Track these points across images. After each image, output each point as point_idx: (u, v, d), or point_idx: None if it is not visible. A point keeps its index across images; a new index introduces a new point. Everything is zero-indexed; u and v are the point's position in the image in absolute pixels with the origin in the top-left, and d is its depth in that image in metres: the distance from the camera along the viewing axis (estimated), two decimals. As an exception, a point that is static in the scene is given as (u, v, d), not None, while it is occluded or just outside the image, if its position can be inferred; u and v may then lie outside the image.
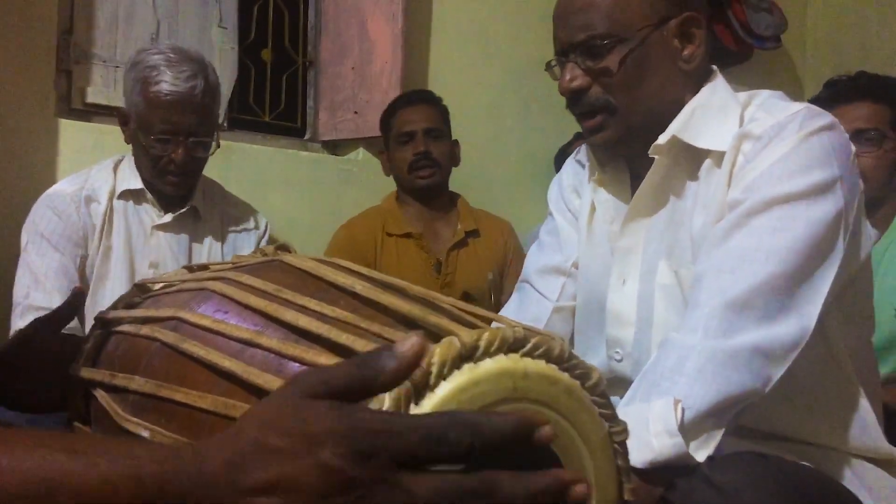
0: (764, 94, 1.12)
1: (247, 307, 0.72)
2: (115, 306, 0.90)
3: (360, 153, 2.75)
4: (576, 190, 1.29)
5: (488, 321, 0.69)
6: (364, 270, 0.76)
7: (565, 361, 0.60)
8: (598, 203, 1.23)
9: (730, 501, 0.84)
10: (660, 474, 0.89)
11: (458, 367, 0.56)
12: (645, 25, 1.08)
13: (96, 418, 0.84)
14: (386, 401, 0.53)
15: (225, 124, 2.57)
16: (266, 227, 2.02)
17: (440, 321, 0.63)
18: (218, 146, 1.82)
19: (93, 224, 1.78)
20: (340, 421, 0.47)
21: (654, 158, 1.11)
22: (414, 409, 0.54)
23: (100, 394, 0.81)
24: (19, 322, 1.68)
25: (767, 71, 3.41)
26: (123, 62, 2.02)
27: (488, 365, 0.57)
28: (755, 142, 1.04)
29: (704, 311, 0.97)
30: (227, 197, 2.02)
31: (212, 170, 1.94)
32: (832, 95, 1.92)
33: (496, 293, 2.30)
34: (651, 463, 0.88)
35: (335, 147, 2.80)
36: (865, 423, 1.09)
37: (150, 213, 1.85)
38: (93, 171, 1.85)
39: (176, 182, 1.79)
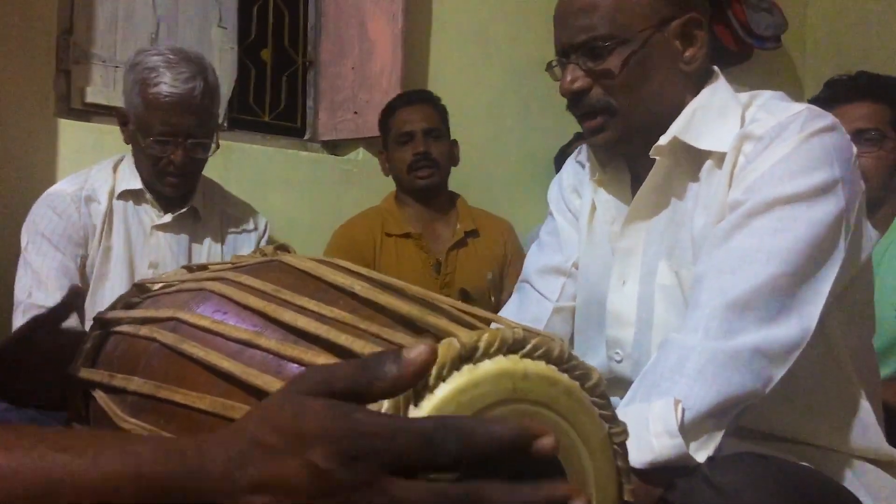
0: (765, 95, 1.12)
1: (246, 308, 0.72)
2: (114, 306, 0.90)
3: (360, 153, 2.75)
4: (576, 190, 1.29)
5: (487, 322, 0.69)
6: (363, 271, 0.76)
7: (565, 362, 0.60)
8: (598, 203, 1.23)
9: (730, 502, 0.84)
10: (660, 475, 0.88)
11: (458, 369, 0.55)
12: (646, 27, 1.08)
13: (95, 419, 0.84)
14: (385, 402, 0.53)
15: (225, 124, 2.57)
16: (266, 227, 2.02)
17: (439, 322, 0.63)
18: (217, 147, 1.82)
19: (93, 224, 1.79)
20: (334, 421, 0.47)
21: (654, 159, 1.11)
22: (413, 411, 0.54)
23: (98, 394, 0.80)
24: (21, 321, 1.68)
25: (767, 71, 3.41)
26: (123, 62, 2.02)
27: (488, 366, 0.56)
28: (756, 142, 1.04)
29: (705, 312, 0.97)
30: (227, 197, 2.02)
31: (212, 170, 1.94)
32: (832, 95, 1.92)
33: (496, 293, 2.29)
34: (651, 463, 0.88)
35: (335, 147, 2.80)
36: (866, 425, 1.09)
37: (150, 214, 1.85)
38: (92, 171, 1.85)
39: (175, 183, 1.79)
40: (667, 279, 1.11)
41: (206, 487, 0.48)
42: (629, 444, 0.66)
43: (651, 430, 0.89)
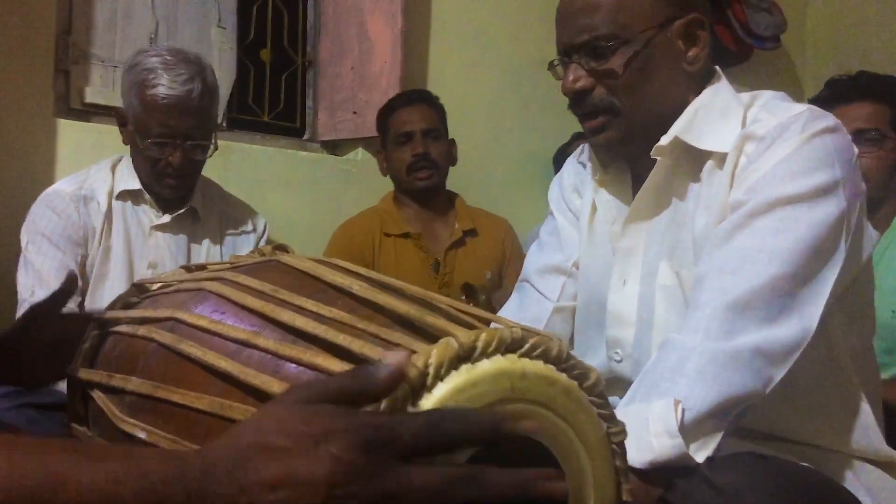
0: (766, 95, 1.12)
1: (244, 308, 0.72)
2: (112, 306, 0.90)
3: (360, 153, 2.75)
4: (577, 190, 1.29)
5: (486, 321, 0.69)
6: (362, 270, 0.76)
7: (563, 362, 0.60)
8: (599, 203, 1.22)
9: (730, 502, 0.84)
10: (659, 475, 0.88)
11: (456, 368, 0.56)
12: (649, 27, 1.08)
13: (94, 419, 0.83)
14: (384, 402, 0.53)
15: (224, 124, 2.56)
16: (264, 228, 2.02)
17: (437, 321, 0.63)
18: (216, 148, 1.81)
19: (92, 224, 1.79)
20: (343, 420, 0.50)
21: (656, 160, 1.11)
22: (411, 410, 0.54)
23: (97, 394, 0.80)
24: None
25: (767, 71, 3.41)
26: (122, 62, 2.02)
27: (486, 366, 0.56)
28: (758, 143, 1.04)
29: (706, 312, 0.97)
30: (227, 197, 2.02)
31: (211, 170, 1.94)
32: (833, 95, 1.92)
33: (495, 292, 2.29)
34: (651, 463, 0.88)
35: (334, 147, 2.80)
36: (866, 425, 1.09)
37: (149, 214, 1.85)
38: (91, 171, 1.85)
39: (174, 185, 1.79)
40: (668, 279, 1.11)
41: (209, 489, 0.48)
42: (629, 443, 0.66)
43: (651, 430, 0.89)
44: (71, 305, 1.66)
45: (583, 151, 1.30)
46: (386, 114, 2.36)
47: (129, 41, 2.39)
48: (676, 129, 1.09)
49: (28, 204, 1.82)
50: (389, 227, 2.30)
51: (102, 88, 2.33)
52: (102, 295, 1.75)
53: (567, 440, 0.60)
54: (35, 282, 1.72)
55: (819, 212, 0.99)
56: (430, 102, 2.36)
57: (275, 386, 0.61)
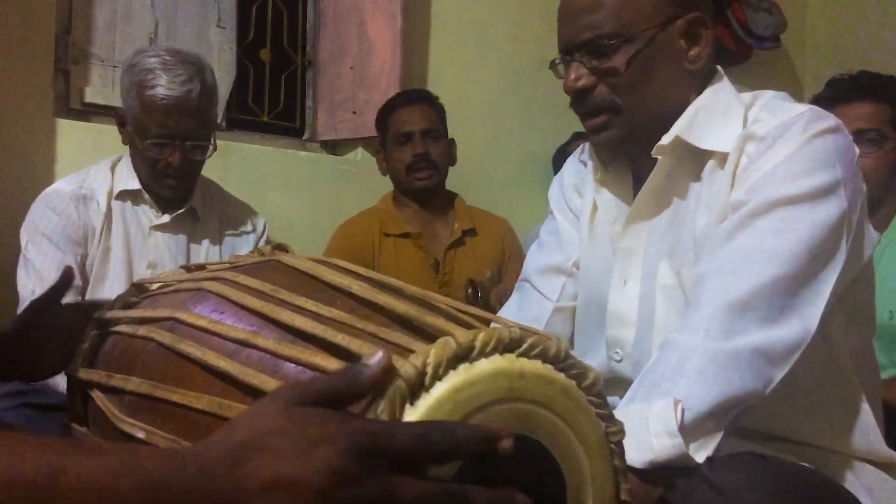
0: (768, 95, 1.12)
1: (243, 307, 0.72)
2: (112, 306, 0.90)
3: (359, 153, 2.75)
4: (577, 189, 1.29)
5: (485, 321, 0.69)
6: (361, 270, 0.76)
7: (561, 361, 0.60)
8: (600, 203, 1.22)
9: (730, 502, 0.84)
10: (659, 475, 0.88)
11: (454, 368, 0.56)
12: (651, 25, 1.08)
13: (93, 419, 0.84)
14: (382, 402, 0.53)
15: (223, 124, 2.56)
16: (264, 228, 2.02)
17: (436, 321, 0.63)
18: (215, 149, 1.81)
19: (92, 224, 1.79)
20: (337, 425, 0.50)
21: (656, 159, 1.11)
22: (409, 410, 0.54)
23: (97, 394, 0.81)
24: None
25: (767, 71, 3.41)
26: (122, 62, 2.02)
27: (484, 365, 0.56)
28: (759, 143, 1.04)
29: (706, 312, 0.97)
30: (226, 197, 2.02)
31: (210, 170, 1.94)
32: (834, 95, 1.92)
33: (494, 287, 2.29)
34: (650, 463, 0.88)
35: (334, 147, 2.80)
36: (866, 426, 1.09)
37: (148, 214, 1.85)
38: (91, 171, 1.85)
39: (173, 185, 1.79)
40: (668, 279, 1.11)
41: (207, 485, 0.49)
42: (629, 443, 0.66)
43: (651, 430, 0.89)
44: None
45: (583, 150, 1.30)
46: (385, 114, 2.35)
47: (129, 41, 2.39)
48: (677, 129, 1.09)
49: (28, 204, 1.82)
50: (389, 227, 2.30)
51: (102, 88, 2.33)
52: (102, 295, 1.75)
53: (566, 440, 0.60)
54: (35, 281, 1.72)
55: (820, 212, 0.99)
56: (430, 102, 2.36)
57: (273, 386, 0.61)
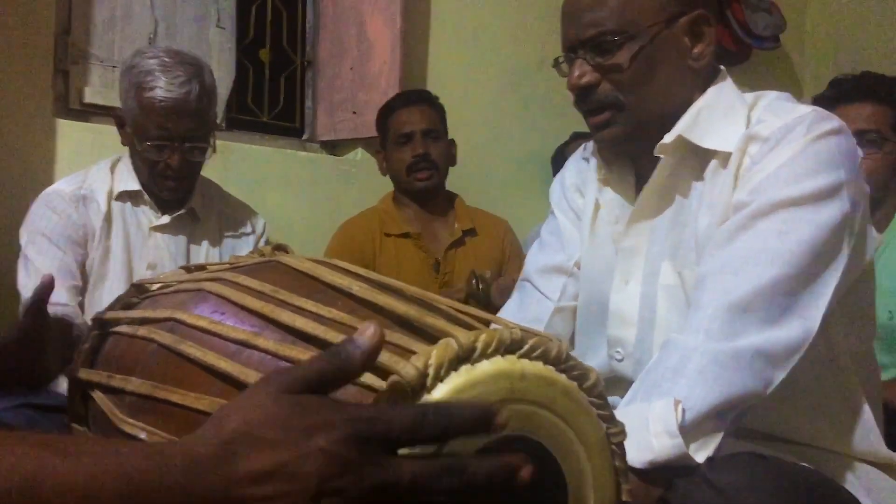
0: (771, 96, 1.12)
1: (244, 308, 0.72)
2: (112, 307, 0.90)
3: (359, 153, 2.75)
4: (579, 189, 1.28)
5: (486, 322, 0.69)
6: (361, 271, 0.76)
7: (563, 362, 0.60)
8: (603, 202, 1.22)
9: (730, 502, 0.84)
10: (659, 475, 0.88)
11: (455, 369, 0.56)
12: (655, 22, 1.08)
13: (94, 420, 0.84)
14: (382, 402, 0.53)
15: (223, 124, 2.56)
16: (264, 228, 2.02)
17: (437, 322, 0.63)
18: (214, 150, 1.81)
19: (92, 224, 1.78)
20: (330, 412, 0.50)
21: (658, 159, 1.11)
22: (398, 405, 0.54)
23: (97, 395, 0.80)
24: None
25: (766, 71, 3.41)
26: (121, 62, 2.02)
27: (485, 366, 0.56)
28: (762, 144, 1.04)
29: (707, 313, 0.97)
30: (226, 198, 2.01)
31: (210, 170, 1.94)
32: (836, 94, 1.91)
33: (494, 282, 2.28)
34: (651, 463, 0.88)
35: (333, 147, 2.80)
36: (866, 427, 1.09)
37: (148, 215, 1.85)
38: (90, 172, 1.85)
39: (173, 187, 1.79)
40: (670, 279, 1.11)
41: (195, 481, 0.48)
42: (629, 443, 0.66)
43: (651, 430, 0.89)
44: (69, 306, 1.66)
45: (585, 149, 1.30)
46: (386, 114, 2.35)
47: (129, 41, 2.39)
48: (680, 128, 1.09)
49: (28, 204, 1.81)
50: (389, 227, 2.30)
51: (101, 88, 2.33)
52: (101, 295, 1.75)
53: (567, 441, 0.60)
54: (36, 281, 1.71)
55: (822, 214, 0.99)
56: (430, 102, 2.35)
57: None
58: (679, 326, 1.03)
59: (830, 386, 1.09)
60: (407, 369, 0.55)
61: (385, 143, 2.35)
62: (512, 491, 0.52)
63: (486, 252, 2.34)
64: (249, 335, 0.68)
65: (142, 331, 0.79)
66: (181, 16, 2.52)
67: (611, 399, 0.69)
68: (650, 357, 1.07)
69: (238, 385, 0.65)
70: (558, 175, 1.35)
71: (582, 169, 1.29)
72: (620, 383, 1.12)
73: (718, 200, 1.06)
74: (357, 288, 0.70)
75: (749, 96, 1.12)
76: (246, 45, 2.69)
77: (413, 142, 2.27)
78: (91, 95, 2.31)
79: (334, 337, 0.63)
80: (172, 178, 1.77)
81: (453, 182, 2.42)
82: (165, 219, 1.85)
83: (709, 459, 0.89)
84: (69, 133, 2.20)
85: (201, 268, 0.94)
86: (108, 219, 1.80)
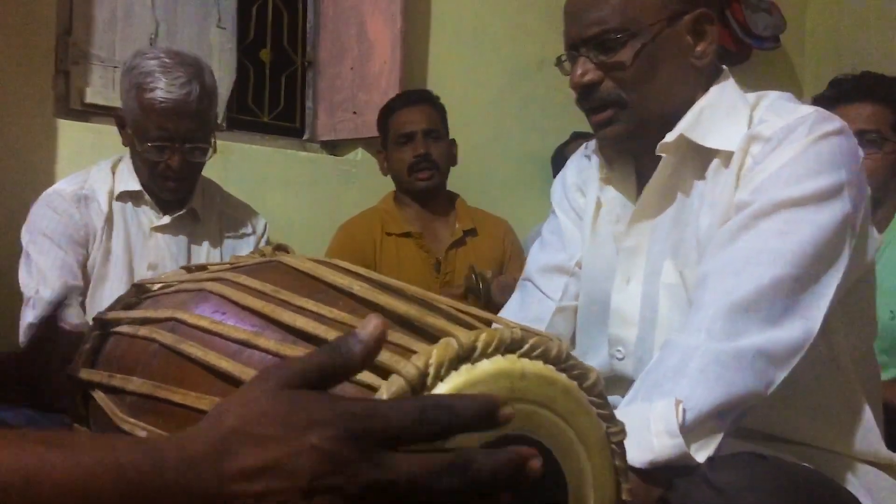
0: (773, 96, 1.12)
1: (245, 308, 0.72)
2: (113, 307, 0.90)
3: (359, 153, 2.75)
4: (580, 188, 1.29)
5: (486, 322, 0.69)
6: (362, 271, 0.76)
7: (563, 362, 0.60)
8: (604, 201, 1.22)
9: (730, 502, 0.84)
10: (660, 474, 0.88)
11: (456, 369, 0.56)
12: (658, 20, 1.08)
13: (95, 419, 0.84)
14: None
15: (224, 124, 2.57)
16: (265, 228, 2.01)
17: (437, 322, 0.63)
18: (214, 151, 1.81)
19: (93, 224, 1.79)
20: (326, 408, 0.49)
21: (660, 158, 1.11)
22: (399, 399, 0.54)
23: (98, 395, 0.80)
24: (28, 315, 1.69)
25: (766, 71, 3.41)
26: (122, 62, 2.01)
27: (485, 366, 0.56)
28: (764, 144, 1.04)
29: (708, 313, 0.97)
30: (227, 198, 2.01)
31: (211, 170, 1.94)
32: (836, 94, 1.91)
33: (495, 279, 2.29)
34: (651, 463, 0.88)
35: (334, 147, 2.80)
36: (866, 428, 1.09)
37: (149, 215, 1.85)
38: (91, 172, 1.85)
39: (174, 188, 1.79)
40: (671, 278, 1.11)
41: (189, 477, 0.48)
42: (630, 443, 0.66)
43: (652, 430, 0.89)
44: (73, 314, 1.67)
45: (587, 148, 1.30)
46: (387, 114, 2.35)
47: (129, 42, 2.39)
48: (682, 127, 1.09)
49: (28, 204, 1.81)
50: (390, 227, 2.30)
51: (102, 89, 2.33)
52: (102, 296, 1.75)
53: (567, 440, 0.60)
54: (40, 280, 1.72)
55: (824, 214, 0.99)
56: (432, 102, 2.36)
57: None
58: (680, 326, 1.03)
59: (831, 386, 1.09)
60: (407, 369, 0.55)
61: (386, 142, 2.36)
62: (514, 490, 0.51)
63: (486, 252, 2.35)
64: (250, 335, 0.68)
65: (143, 331, 0.79)
66: (182, 16, 2.52)
67: (612, 398, 0.70)
68: (651, 356, 1.07)
69: (239, 385, 0.64)
70: (559, 174, 1.35)
71: (583, 168, 1.29)
72: (621, 382, 1.12)
73: (720, 200, 1.06)
74: (358, 288, 0.70)
75: (751, 96, 1.13)
76: (246, 46, 2.69)
77: (414, 142, 2.27)
78: (92, 96, 2.31)
79: (335, 337, 0.63)
80: (173, 179, 1.77)
81: (453, 182, 2.42)
82: (166, 219, 1.85)
83: (709, 459, 0.90)
84: (70, 133, 2.20)
85: (202, 268, 0.94)
86: (109, 219, 1.80)
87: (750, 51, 3.35)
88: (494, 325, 0.63)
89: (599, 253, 1.22)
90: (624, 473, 0.64)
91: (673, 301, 1.10)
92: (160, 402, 0.71)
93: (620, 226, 1.19)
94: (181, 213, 1.85)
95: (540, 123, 2.95)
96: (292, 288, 0.72)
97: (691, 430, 0.89)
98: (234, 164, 2.42)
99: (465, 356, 0.56)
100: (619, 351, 1.16)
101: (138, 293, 0.91)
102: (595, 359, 1.19)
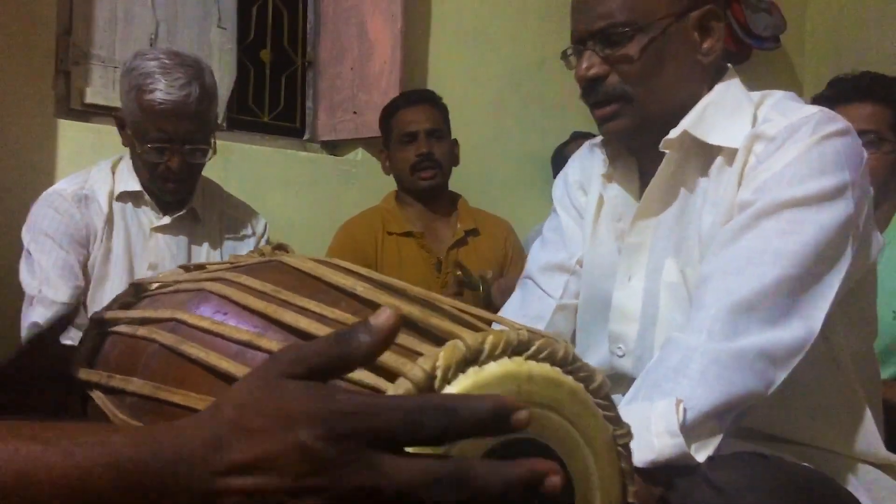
0: (777, 95, 1.12)
1: (246, 308, 0.71)
2: (110, 306, 0.90)
3: (359, 153, 2.75)
4: (582, 187, 1.28)
5: (489, 322, 0.69)
6: (364, 271, 0.75)
7: (569, 364, 0.60)
8: (607, 198, 1.22)
9: (730, 502, 0.84)
10: (660, 474, 0.88)
11: (463, 371, 0.55)
12: (666, 15, 1.08)
13: (93, 420, 0.83)
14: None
15: (224, 125, 2.57)
16: (265, 229, 2.01)
17: (442, 323, 0.63)
18: (215, 152, 1.81)
19: (94, 225, 1.78)
20: (317, 402, 0.47)
21: (663, 155, 1.11)
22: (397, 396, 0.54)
23: (97, 395, 0.80)
24: (32, 314, 1.69)
25: (766, 71, 3.41)
26: (122, 63, 2.01)
27: (493, 368, 0.56)
28: (768, 143, 1.04)
29: (710, 313, 0.97)
30: (227, 198, 2.01)
31: (211, 170, 1.93)
32: (835, 94, 1.91)
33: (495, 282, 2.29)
34: (651, 462, 0.88)
35: (334, 147, 2.80)
36: (866, 428, 1.09)
37: (149, 215, 1.85)
38: (92, 172, 1.85)
39: (173, 189, 1.79)
40: (673, 276, 1.11)
41: (182, 472, 0.47)
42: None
43: (652, 430, 0.89)
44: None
45: (590, 144, 1.30)
46: (389, 113, 2.35)
47: (130, 42, 2.39)
48: (686, 123, 1.09)
49: (28, 204, 1.81)
50: (392, 226, 2.30)
51: (102, 89, 2.33)
52: (103, 296, 1.75)
53: (573, 443, 0.60)
54: (42, 279, 1.72)
55: (827, 215, 0.99)
56: (434, 102, 2.35)
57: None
58: (681, 324, 1.03)
59: (831, 386, 1.09)
60: (414, 371, 0.54)
61: (388, 142, 2.35)
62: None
63: (488, 252, 2.35)
64: (252, 336, 0.67)
65: (142, 331, 0.78)
66: (182, 16, 2.52)
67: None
68: (651, 354, 1.07)
69: (241, 386, 0.64)
70: (561, 172, 1.35)
71: (585, 166, 1.29)
72: (621, 380, 1.12)
73: (723, 198, 1.06)
74: (361, 288, 0.69)
75: (756, 95, 1.13)
76: (247, 46, 2.69)
77: (417, 141, 2.27)
78: (92, 96, 2.31)
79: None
80: (173, 181, 1.77)
81: (453, 182, 2.42)
82: (166, 219, 1.85)
83: (709, 459, 0.90)
84: (70, 133, 2.20)
85: (200, 267, 0.94)
86: (109, 219, 1.80)
87: (750, 51, 3.35)
88: (497, 326, 0.63)
89: (601, 250, 1.21)
90: (630, 476, 0.64)
91: (674, 299, 1.10)
92: (161, 404, 0.70)
93: (623, 223, 1.18)
94: (181, 213, 1.85)
95: (540, 123, 2.95)
96: (294, 288, 0.71)
97: (692, 430, 0.89)
98: (235, 165, 2.42)
99: (473, 358, 0.56)
100: (619, 348, 1.16)
101: (136, 292, 0.91)
102: (595, 356, 1.19)
